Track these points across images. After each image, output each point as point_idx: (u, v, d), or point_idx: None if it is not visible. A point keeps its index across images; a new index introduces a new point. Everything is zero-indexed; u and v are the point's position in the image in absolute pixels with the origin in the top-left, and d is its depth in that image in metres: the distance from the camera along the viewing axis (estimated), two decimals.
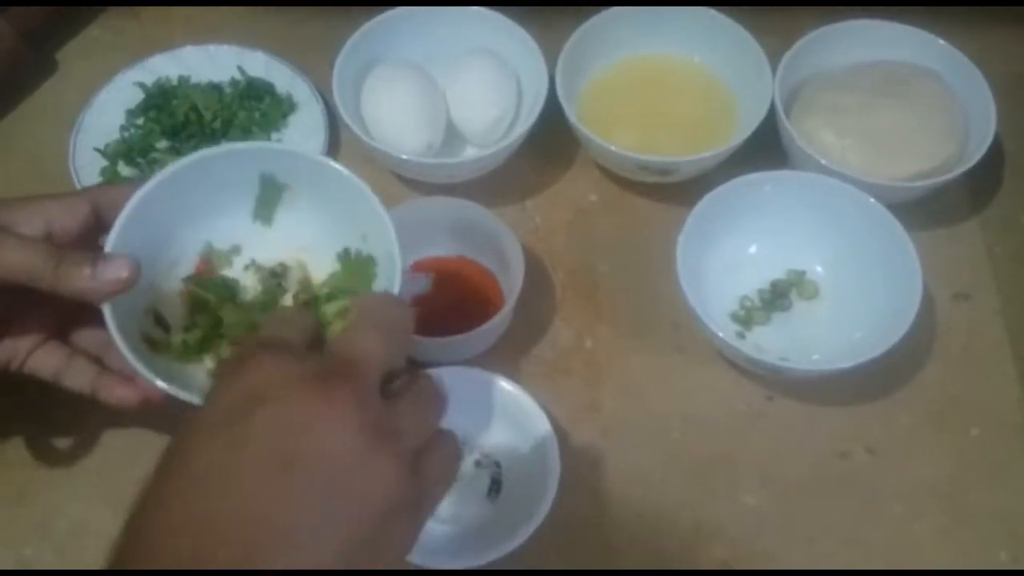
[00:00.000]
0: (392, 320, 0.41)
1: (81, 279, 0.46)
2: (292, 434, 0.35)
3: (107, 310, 0.47)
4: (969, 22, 0.73)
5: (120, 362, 0.49)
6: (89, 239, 0.50)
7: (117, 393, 0.51)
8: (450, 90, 0.70)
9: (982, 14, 0.75)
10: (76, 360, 0.52)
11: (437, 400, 0.41)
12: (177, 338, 0.51)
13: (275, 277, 0.53)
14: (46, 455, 0.60)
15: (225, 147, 0.50)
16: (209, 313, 0.52)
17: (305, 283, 0.53)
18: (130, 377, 0.51)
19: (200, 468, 0.35)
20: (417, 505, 0.38)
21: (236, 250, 0.54)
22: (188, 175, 0.49)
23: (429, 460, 0.38)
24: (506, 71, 0.70)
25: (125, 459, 0.59)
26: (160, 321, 0.52)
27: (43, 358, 0.52)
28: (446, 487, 0.40)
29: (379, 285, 0.51)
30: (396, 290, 0.48)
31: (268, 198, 0.53)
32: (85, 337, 0.53)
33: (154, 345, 0.51)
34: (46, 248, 0.47)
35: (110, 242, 0.48)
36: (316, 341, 0.42)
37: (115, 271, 0.46)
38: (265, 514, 0.34)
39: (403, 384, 0.40)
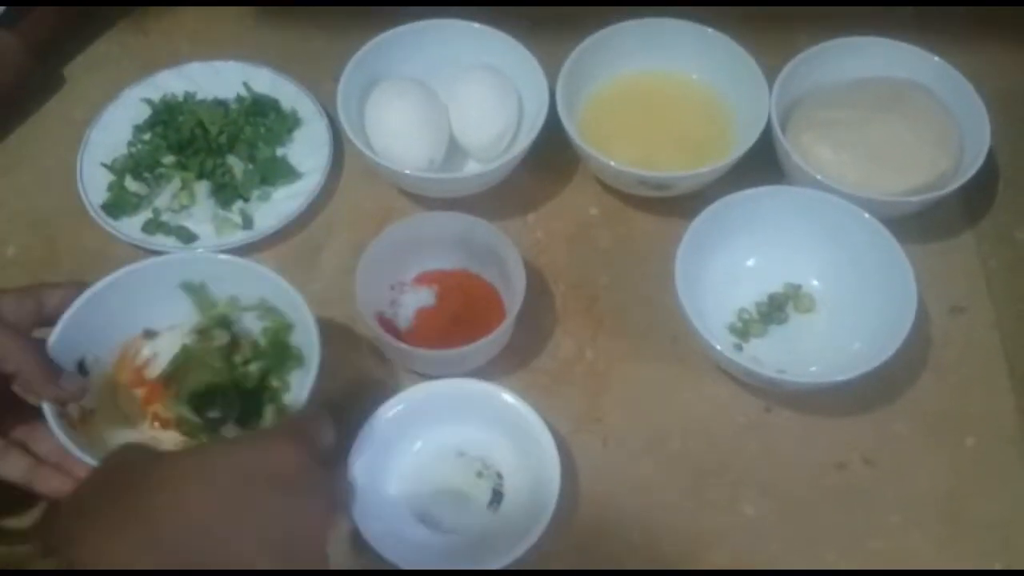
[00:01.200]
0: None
1: (49, 389, 0.53)
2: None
3: (47, 407, 0.54)
4: (962, 38, 0.74)
5: (47, 447, 0.55)
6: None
7: (52, 484, 0.54)
8: (452, 106, 0.71)
9: (974, 30, 0.76)
10: (11, 451, 0.55)
11: None
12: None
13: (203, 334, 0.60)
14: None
15: (144, 263, 0.59)
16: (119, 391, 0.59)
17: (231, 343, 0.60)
18: (61, 467, 0.55)
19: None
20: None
21: (172, 327, 0.61)
22: (113, 288, 0.57)
23: None
24: (508, 87, 0.71)
25: None
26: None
27: None
28: None
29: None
30: (311, 381, 0.56)
31: (197, 291, 0.61)
32: (11, 426, 0.56)
33: (72, 423, 0.56)
34: (26, 347, 0.53)
35: (52, 343, 0.55)
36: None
37: (71, 385, 0.54)
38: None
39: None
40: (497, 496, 0.59)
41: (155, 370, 0.60)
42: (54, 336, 0.56)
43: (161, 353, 0.60)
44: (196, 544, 0.40)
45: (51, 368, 0.54)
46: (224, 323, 0.61)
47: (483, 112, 0.69)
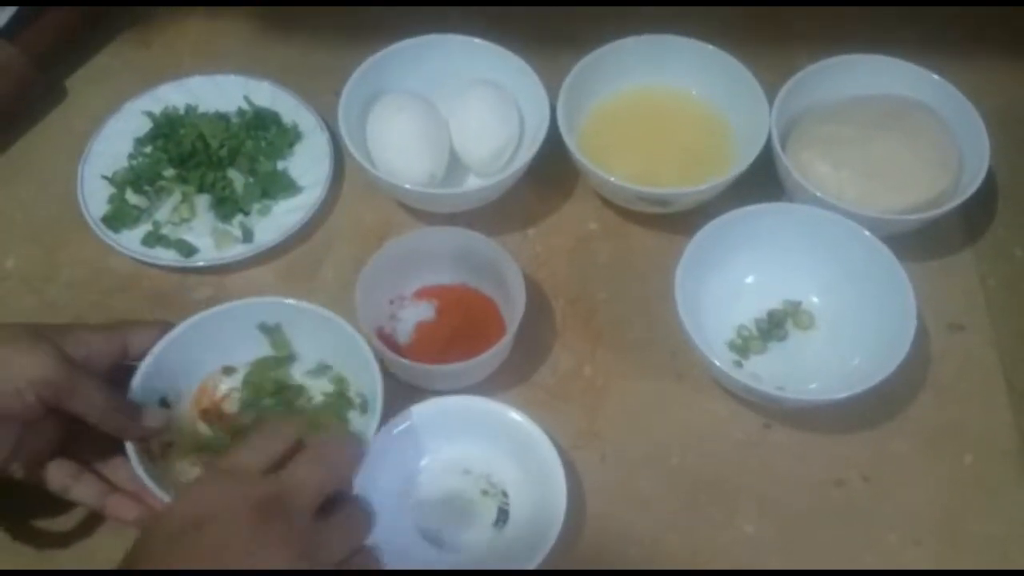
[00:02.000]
0: (334, 457, 0.51)
1: (131, 429, 0.55)
2: (232, 552, 0.43)
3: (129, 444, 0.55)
4: (961, 56, 0.75)
5: (126, 474, 0.56)
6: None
7: (126, 513, 0.56)
8: (453, 121, 0.71)
9: (973, 48, 0.77)
10: (85, 475, 0.56)
11: (362, 524, 0.50)
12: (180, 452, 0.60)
13: (264, 394, 0.62)
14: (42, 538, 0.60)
15: (225, 306, 0.61)
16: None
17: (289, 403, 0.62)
18: (136, 496, 0.56)
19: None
20: None
21: (249, 364, 0.63)
22: (196, 329, 0.60)
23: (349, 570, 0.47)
24: (508, 102, 0.71)
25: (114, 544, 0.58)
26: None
27: (53, 471, 0.56)
28: None
29: (355, 416, 0.61)
30: (375, 426, 0.57)
31: (272, 332, 0.62)
32: (88, 451, 0.57)
33: (153, 456, 0.57)
34: (110, 398, 0.54)
35: (136, 384, 0.57)
36: (276, 465, 0.49)
37: (152, 421, 0.56)
38: None
39: (339, 508, 0.49)
40: (503, 515, 0.59)
41: (233, 404, 0.61)
42: (138, 378, 0.57)
43: (238, 388, 0.62)
44: None
45: (133, 410, 0.55)
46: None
47: (484, 127, 0.70)
